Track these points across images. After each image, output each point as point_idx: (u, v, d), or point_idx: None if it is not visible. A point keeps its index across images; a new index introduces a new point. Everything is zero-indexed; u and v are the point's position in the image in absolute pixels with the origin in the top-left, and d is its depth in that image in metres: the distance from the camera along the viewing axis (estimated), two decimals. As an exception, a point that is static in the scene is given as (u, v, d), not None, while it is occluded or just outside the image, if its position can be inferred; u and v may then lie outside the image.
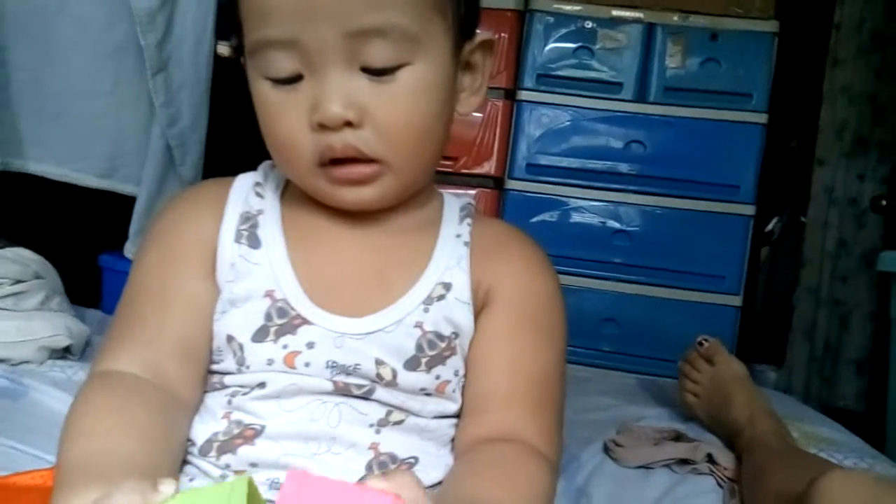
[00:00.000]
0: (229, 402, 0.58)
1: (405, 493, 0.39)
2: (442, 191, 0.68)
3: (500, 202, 1.82)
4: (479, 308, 0.61)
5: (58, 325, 1.09)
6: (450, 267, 0.61)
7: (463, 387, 0.61)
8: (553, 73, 1.81)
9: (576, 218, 1.81)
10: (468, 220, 0.64)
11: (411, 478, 0.42)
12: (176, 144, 1.43)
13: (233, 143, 1.67)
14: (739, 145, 1.76)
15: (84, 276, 1.42)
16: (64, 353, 1.11)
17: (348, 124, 0.54)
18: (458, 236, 0.63)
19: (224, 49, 1.46)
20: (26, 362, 1.05)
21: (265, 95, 0.56)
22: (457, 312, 0.60)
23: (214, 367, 0.60)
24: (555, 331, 0.63)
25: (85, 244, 1.56)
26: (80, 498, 0.44)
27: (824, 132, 1.91)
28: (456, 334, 0.60)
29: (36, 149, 1.40)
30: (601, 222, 1.80)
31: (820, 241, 1.90)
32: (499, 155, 1.82)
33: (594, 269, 1.78)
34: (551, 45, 1.81)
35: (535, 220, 1.80)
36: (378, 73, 0.54)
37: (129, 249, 1.49)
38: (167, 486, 0.39)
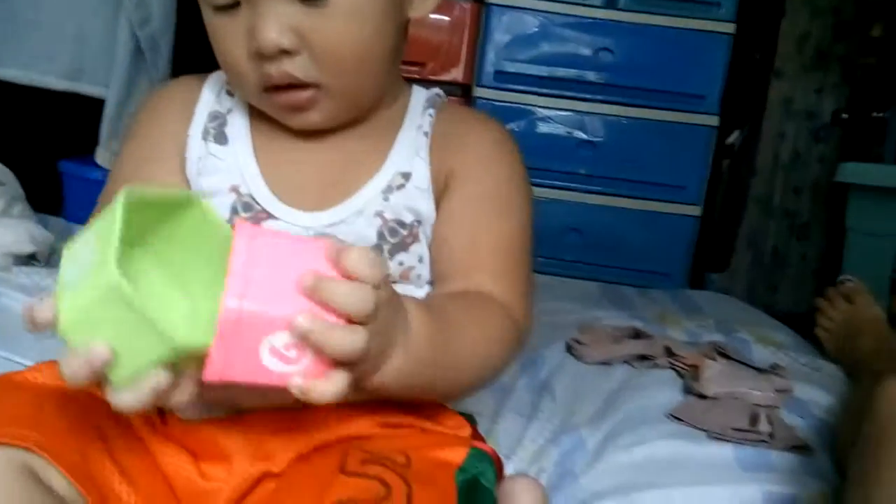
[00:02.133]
0: None
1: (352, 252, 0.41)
2: (414, 85, 0.68)
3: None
4: (440, 194, 0.62)
5: (21, 233, 1.08)
6: (409, 157, 0.62)
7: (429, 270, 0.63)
8: (522, -25, 1.77)
9: (542, 128, 1.81)
10: (430, 111, 0.65)
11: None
12: (147, 46, 1.41)
13: (200, 44, 1.63)
14: (706, 55, 1.76)
15: (44, 182, 1.39)
16: (29, 259, 1.10)
17: (284, 52, 0.54)
18: (419, 127, 0.63)
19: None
20: (-9, 269, 1.04)
21: (210, 21, 0.57)
22: (417, 200, 0.61)
23: None
24: (513, 202, 0.64)
25: (44, 150, 1.52)
26: None
27: (785, 44, 1.91)
28: (419, 222, 0.61)
29: (1, 54, 1.36)
30: (567, 132, 1.81)
31: (773, 152, 1.93)
32: (466, 61, 1.79)
33: (559, 179, 1.79)
34: (521, -53, 1.77)
35: (501, 129, 1.79)
36: None
37: (100, 154, 1.48)
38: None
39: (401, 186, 0.61)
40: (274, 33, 0.53)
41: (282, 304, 0.39)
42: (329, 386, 0.41)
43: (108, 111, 1.44)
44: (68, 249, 0.41)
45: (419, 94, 0.67)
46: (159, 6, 1.41)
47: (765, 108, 1.94)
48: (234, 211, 0.60)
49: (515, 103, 1.80)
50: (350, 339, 0.41)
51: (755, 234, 1.93)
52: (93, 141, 1.49)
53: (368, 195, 0.60)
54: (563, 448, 0.77)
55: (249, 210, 0.60)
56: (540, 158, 1.76)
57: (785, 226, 1.92)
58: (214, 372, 0.39)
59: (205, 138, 0.62)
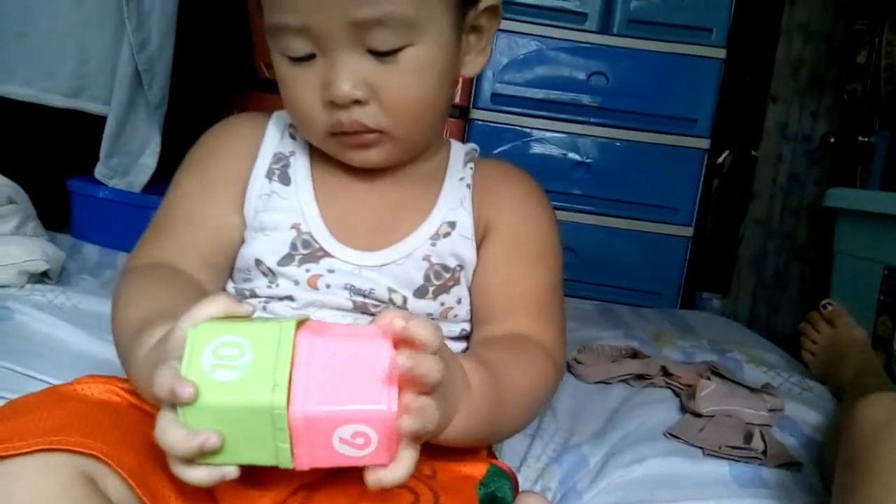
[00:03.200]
0: (264, 308, 0.64)
1: (416, 330, 0.45)
2: (451, 140, 0.73)
3: (465, 132, 1.85)
4: (480, 240, 0.67)
5: (35, 250, 1.11)
6: (454, 207, 0.67)
7: (466, 311, 0.68)
8: (519, 0, 1.82)
9: (537, 149, 1.85)
10: (471, 165, 0.70)
11: (402, 313, 0.46)
12: (145, 69, 1.42)
13: (196, 68, 1.66)
14: (698, 80, 1.81)
15: (52, 200, 1.42)
16: (41, 277, 1.12)
17: (356, 102, 0.59)
18: (462, 179, 0.69)
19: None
20: (5, 287, 1.06)
21: (283, 70, 0.61)
22: (461, 247, 0.66)
23: (245, 285, 0.66)
24: (547, 252, 0.69)
25: (52, 168, 1.54)
26: (163, 331, 0.49)
27: (780, 69, 1.96)
28: (461, 266, 0.66)
29: (1, 70, 1.37)
30: (562, 154, 1.85)
31: (772, 175, 1.97)
32: (464, 84, 1.83)
33: (554, 199, 1.76)
34: (518, -27, 1.81)
35: (498, 150, 1.83)
36: (382, 54, 0.58)
37: (99, 171, 1.49)
38: (248, 306, 0.47)
39: (447, 234, 0.66)
40: (348, 86, 0.58)
41: (342, 401, 0.43)
42: (401, 470, 0.44)
43: (109, 129, 1.46)
44: (205, 334, 0.44)
45: (458, 149, 0.72)
46: (158, 30, 1.43)
47: (760, 131, 1.99)
48: (294, 247, 0.64)
49: (511, 125, 1.84)
50: (429, 417, 0.44)
51: (757, 256, 1.97)
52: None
53: (417, 241, 0.65)
54: (567, 466, 0.80)
55: (308, 247, 0.64)
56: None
57: (785, 248, 1.95)
58: (301, 464, 0.44)
59: (269, 177, 0.66)
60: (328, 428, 0.43)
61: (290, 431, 0.43)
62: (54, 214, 1.43)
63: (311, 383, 0.43)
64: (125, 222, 1.44)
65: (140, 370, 0.51)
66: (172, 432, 0.43)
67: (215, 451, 0.43)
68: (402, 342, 0.45)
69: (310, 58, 0.59)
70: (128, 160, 1.51)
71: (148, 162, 1.53)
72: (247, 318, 0.46)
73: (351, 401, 0.43)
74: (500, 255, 0.67)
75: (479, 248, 0.67)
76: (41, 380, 0.82)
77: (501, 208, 0.68)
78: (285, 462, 0.44)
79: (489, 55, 0.67)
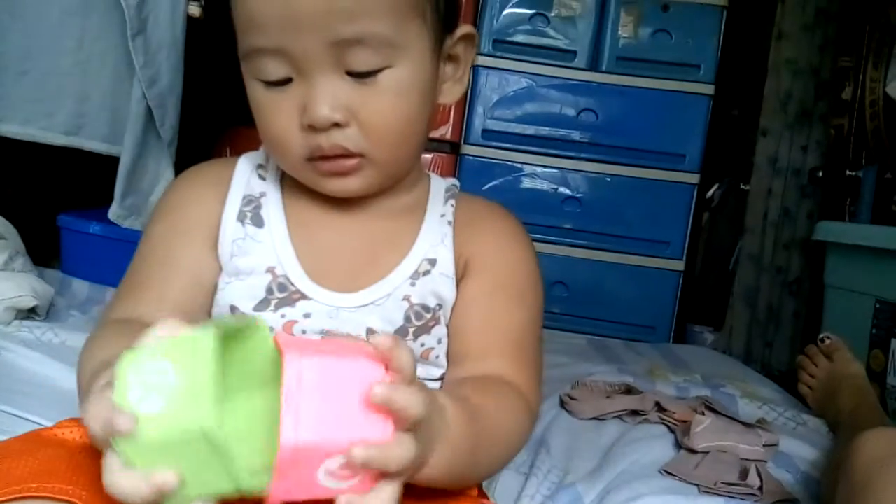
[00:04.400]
0: None
1: (404, 361, 0.44)
2: (430, 173, 0.72)
3: (456, 167, 1.86)
4: (460, 277, 0.66)
5: (23, 286, 1.10)
6: (434, 244, 0.66)
7: (446, 353, 0.66)
8: (509, 38, 1.84)
9: (528, 184, 1.86)
10: (451, 201, 0.69)
11: (396, 340, 0.45)
12: (156, 105, 1.42)
13: (203, 103, 1.67)
14: (687, 115, 1.83)
15: (42, 236, 1.41)
16: (29, 313, 1.11)
17: (335, 125, 0.58)
18: (443, 216, 0.68)
19: (195, 9, 1.44)
20: (-8, 323, 1.05)
21: (258, 96, 0.60)
22: (441, 286, 0.65)
23: None
24: (527, 293, 0.68)
25: (42, 204, 1.54)
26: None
27: (768, 103, 1.98)
28: (440, 305, 0.65)
29: (1, 109, 1.37)
30: (552, 188, 1.86)
31: (762, 209, 1.98)
32: (455, 120, 1.85)
33: (545, 234, 1.83)
34: (507, 11, 1.84)
35: (489, 185, 1.84)
36: (361, 76, 0.57)
37: (114, 212, 1.48)
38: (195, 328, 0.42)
39: (426, 273, 0.64)
40: (327, 108, 0.57)
41: (335, 430, 0.41)
42: (377, 501, 0.42)
43: (123, 169, 1.45)
44: (130, 361, 0.41)
45: (438, 183, 0.71)
46: (167, 66, 1.44)
47: (749, 165, 2.01)
48: (270, 291, 0.62)
49: (502, 160, 1.85)
50: (404, 452, 0.43)
51: (750, 291, 1.97)
52: (91, 194, 1.50)
53: (397, 280, 0.64)
54: (561, 504, 0.79)
55: (284, 290, 0.62)
56: (526, 213, 1.78)
57: (778, 282, 1.96)
58: (276, 498, 0.41)
59: (241, 221, 0.65)
60: (318, 459, 0.40)
61: (274, 462, 0.39)
62: (44, 250, 1.42)
63: (301, 410, 0.40)
64: (115, 258, 1.42)
65: (90, 404, 0.46)
66: (122, 479, 0.39)
67: (177, 491, 0.39)
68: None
69: (286, 82, 0.58)
70: (140, 199, 1.51)
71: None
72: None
73: (347, 430, 0.41)
74: (478, 294, 0.65)
75: (457, 285, 0.66)
76: (27, 419, 0.80)
77: (482, 246, 0.67)
78: (248, 487, 0.41)
79: (466, 85, 0.67)
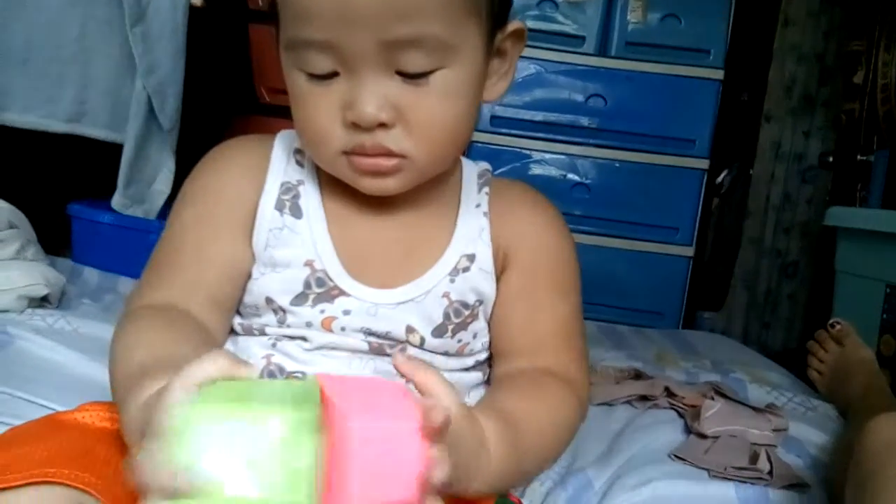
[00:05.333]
0: (273, 346, 0.61)
1: (430, 383, 0.46)
2: (462, 158, 0.70)
3: (465, 154, 1.85)
4: (500, 271, 0.65)
5: (35, 275, 1.10)
6: (472, 238, 0.64)
7: (481, 344, 0.66)
8: (517, 25, 1.83)
9: (537, 170, 1.86)
10: (486, 189, 0.67)
11: (425, 366, 0.48)
12: (154, 93, 1.42)
13: (207, 91, 1.67)
14: (696, 101, 1.82)
15: (53, 224, 1.42)
16: (41, 302, 1.12)
17: (381, 125, 0.55)
18: (478, 206, 0.66)
19: (197, -1, 1.44)
20: (5, 311, 1.06)
21: (300, 87, 0.57)
22: (481, 282, 0.64)
23: (254, 321, 0.63)
24: (567, 283, 0.67)
25: (52, 193, 1.54)
26: (159, 383, 0.45)
27: (773, 89, 1.98)
28: (480, 301, 0.64)
29: (1, 97, 1.38)
30: (561, 175, 1.85)
31: (765, 194, 1.98)
32: (463, 107, 1.84)
33: None
34: (515, -3, 1.83)
35: (498, 172, 1.82)
36: (412, 76, 0.55)
37: (117, 201, 1.49)
38: (251, 368, 0.43)
39: (466, 269, 0.63)
40: (374, 108, 0.54)
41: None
42: None
43: (126, 157, 1.45)
44: (203, 416, 0.37)
45: (469, 168, 0.69)
46: (167, 54, 1.44)
47: (755, 151, 2.00)
48: (308, 286, 0.61)
49: (511, 147, 1.85)
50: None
51: (749, 274, 1.97)
52: (101, 184, 1.51)
53: (436, 277, 0.62)
54: (572, 490, 0.79)
55: (322, 286, 0.61)
56: (535, 200, 1.80)
57: (777, 265, 1.96)
58: None
59: (280, 209, 0.62)
60: None
61: None
62: (55, 239, 1.43)
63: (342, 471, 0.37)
64: (125, 247, 1.44)
65: (131, 422, 0.47)
66: None
67: None
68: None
69: (331, 75, 0.55)
70: (142, 188, 1.51)
71: (162, 188, 1.52)
72: (248, 382, 0.42)
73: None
74: (521, 287, 0.64)
75: (498, 279, 0.65)
76: (42, 405, 0.81)
77: (521, 237, 0.65)
78: None
79: (511, 81, 0.64)
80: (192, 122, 1.56)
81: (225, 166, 0.66)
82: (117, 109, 1.47)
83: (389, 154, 0.57)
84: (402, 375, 0.52)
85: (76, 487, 0.45)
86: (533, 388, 0.60)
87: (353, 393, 0.40)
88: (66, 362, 0.93)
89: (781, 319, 1.96)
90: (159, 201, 1.53)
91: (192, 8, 1.46)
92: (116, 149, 1.48)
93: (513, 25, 0.62)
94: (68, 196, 1.56)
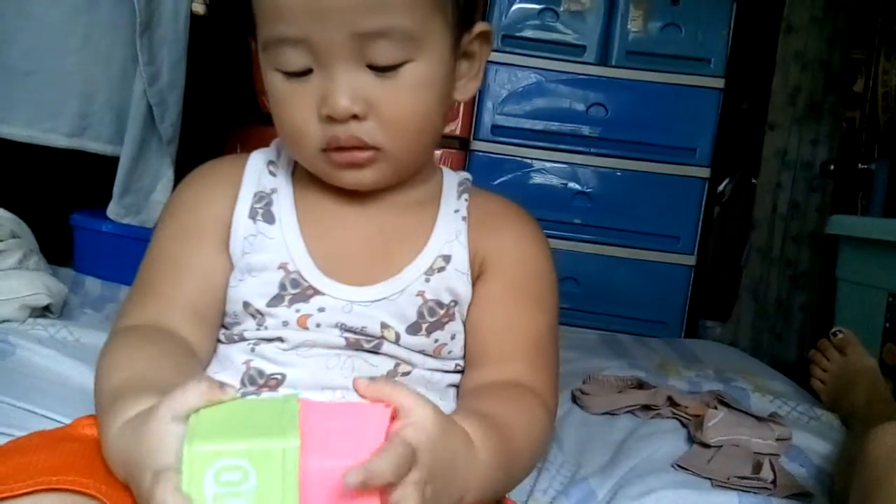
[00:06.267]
0: (252, 350, 0.62)
1: (391, 393, 0.47)
2: (442, 167, 0.73)
3: (466, 163, 1.86)
4: (476, 276, 0.66)
5: (37, 284, 1.10)
6: (449, 241, 0.66)
7: (460, 347, 0.66)
8: (518, 34, 1.84)
9: (538, 179, 1.86)
10: (465, 196, 0.69)
11: (391, 382, 0.48)
12: (156, 102, 1.42)
13: (206, 100, 1.67)
14: (697, 109, 1.82)
15: (55, 234, 1.42)
16: (43, 311, 1.12)
17: (354, 117, 0.58)
18: (457, 211, 0.68)
19: (199, 7, 1.44)
20: (7, 321, 1.06)
21: (277, 86, 0.60)
22: (456, 282, 0.65)
23: (234, 328, 0.64)
24: (545, 296, 0.68)
25: (55, 203, 1.55)
26: (139, 405, 0.48)
27: (777, 97, 1.97)
28: (455, 302, 0.65)
29: (4, 111, 1.37)
30: (562, 184, 1.86)
31: (771, 203, 1.97)
32: (464, 116, 1.84)
33: (555, 229, 1.82)
34: (516, 6, 1.84)
35: (498, 181, 1.84)
36: (382, 69, 0.58)
37: (112, 210, 1.49)
38: (230, 390, 0.45)
39: (441, 269, 0.65)
40: (347, 100, 0.57)
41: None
42: None
43: (122, 167, 1.45)
44: (201, 455, 0.41)
45: (450, 177, 0.71)
46: (169, 63, 1.44)
47: (757, 159, 2.00)
48: (283, 287, 0.62)
49: (512, 156, 1.85)
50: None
51: (757, 284, 1.96)
52: (103, 194, 1.51)
53: (411, 276, 0.64)
54: (574, 499, 0.78)
55: (297, 286, 0.62)
56: (536, 209, 1.75)
57: (786, 276, 1.95)
58: None
59: (253, 218, 0.65)
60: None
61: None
62: (57, 249, 1.43)
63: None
64: (128, 256, 1.43)
65: (112, 444, 0.48)
66: None
67: None
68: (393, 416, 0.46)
69: (306, 73, 0.58)
70: (140, 198, 1.51)
71: (160, 198, 1.52)
72: (233, 400, 0.45)
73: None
74: (497, 296, 0.66)
75: (474, 283, 0.66)
76: (43, 416, 0.81)
77: (500, 247, 0.67)
78: None
79: (480, 82, 0.67)
80: (193, 131, 1.57)
81: (201, 183, 0.69)
82: (121, 122, 1.47)
83: (364, 146, 0.60)
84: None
85: (81, 492, 0.45)
86: (510, 399, 0.61)
87: (324, 424, 0.44)
88: (67, 372, 0.93)
89: (792, 330, 1.95)
90: (157, 212, 1.53)
91: (193, 17, 1.46)
92: (119, 160, 1.48)
93: (479, 27, 0.65)
94: (71, 206, 1.56)
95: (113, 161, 1.49)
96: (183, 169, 1.48)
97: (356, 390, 0.48)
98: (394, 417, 0.47)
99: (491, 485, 0.53)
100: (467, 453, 0.51)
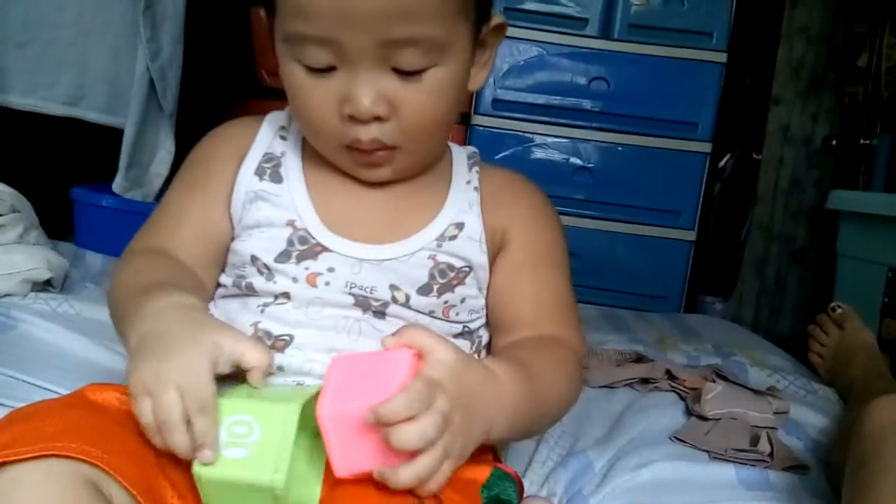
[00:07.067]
0: (262, 312, 0.63)
1: (416, 337, 0.52)
2: (449, 143, 0.73)
3: (467, 137, 1.85)
4: (496, 250, 0.69)
5: (38, 258, 1.11)
6: (462, 210, 0.68)
7: (468, 311, 0.68)
8: (519, 6, 1.82)
9: (539, 154, 1.85)
10: (476, 168, 0.71)
11: (417, 327, 0.54)
12: (158, 77, 1.42)
13: (208, 74, 1.67)
14: (699, 84, 1.81)
15: (55, 209, 1.42)
16: (44, 286, 1.12)
17: (376, 118, 0.59)
18: (469, 182, 0.70)
19: (197, -16, 1.44)
20: (8, 295, 1.06)
21: (297, 78, 0.60)
22: (468, 249, 0.66)
23: (241, 280, 0.65)
24: (563, 261, 0.72)
25: (55, 177, 1.54)
26: (171, 297, 0.55)
27: (781, 71, 1.96)
28: (469, 268, 0.66)
29: (1, 79, 1.37)
30: (564, 159, 1.85)
31: (773, 178, 1.97)
32: (465, 90, 1.83)
33: (556, 204, 1.75)
34: (518, -22, 1.82)
35: (500, 156, 1.83)
36: (407, 73, 0.58)
37: (118, 184, 1.49)
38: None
39: (453, 237, 0.66)
40: (370, 102, 0.57)
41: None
42: (414, 471, 0.48)
43: (128, 141, 1.46)
44: (220, 408, 0.50)
45: (459, 152, 0.73)
46: (169, 38, 1.44)
47: (761, 135, 1.99)
48: (290, 243, 0.64)
49: (513, 130, 1.84)
50: (415, 435, 0.48)
51: (759, 260, 1.96)
52: (103, 168, 1.51)
53: (423, 241, 0.65)
54: (572, 470, 0.79)
55: (305, 243, 0.64)
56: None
57: (786, 251, 1.95)
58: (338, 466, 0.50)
59: (259, 175, 0.66)
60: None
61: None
62: (57, 223, 1.43)
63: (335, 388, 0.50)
64: (128, 230, 1.42)
65: (144, 321, 0.53)
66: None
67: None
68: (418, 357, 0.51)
69: (329, 69, 0.58)
70: (140, 171, 1.52)
71: (160, 171, 1.53)
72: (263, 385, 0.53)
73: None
74: (522, 266, 0.69)
75: (495, 256, 0.68)
76: (45, 388, 0.82)
77: (517, 221, 0.69)
78: None
79: (490, 69, 0.68)
80: (194, 105, 1.56)
81: (217, 139, 0.71)
82: (115, 93, 1.47)
83: (382, 147, 0.61)
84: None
85: (85, 461, 0.46)
86: (542, 346, 0.65)
87: (349, 372, 0.51)
88: (69, 346, 0.94)
89: (790, 306, 1.96)
90: (157, 184, 1.54)
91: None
92: (118, 132, 1.48)
93: (496, 20, 0.66)
94: (71, 180, 1.56)
95: (112, 135, 1.49)
96: (184, 142, 1.48)
97: (384, 346, 0.52)
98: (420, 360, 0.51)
99: (520, 418, 0.57)
100: (492, 384, 0.55)
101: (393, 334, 0.52)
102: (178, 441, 0.48)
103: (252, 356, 0.52)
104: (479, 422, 0.53)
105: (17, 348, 0.91)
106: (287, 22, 0.58)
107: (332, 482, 0.52)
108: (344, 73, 0.58)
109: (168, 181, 1.52)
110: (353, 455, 0.49)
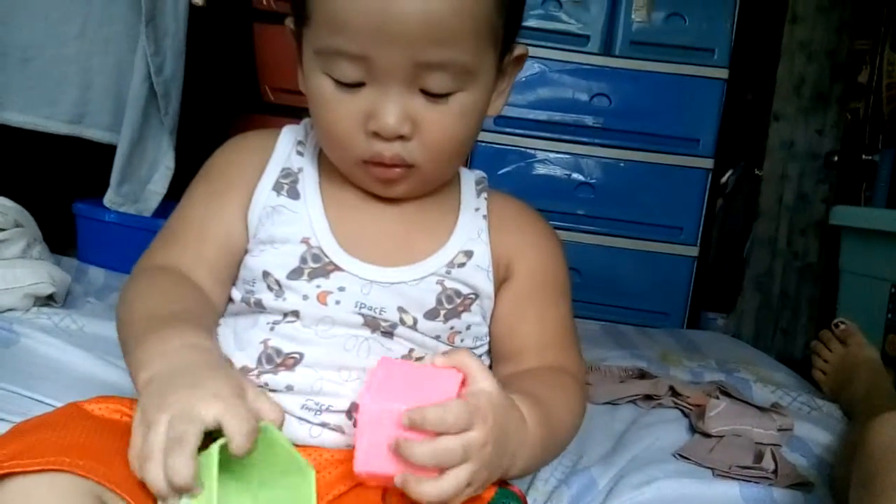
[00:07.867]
0: (271, 329, 0.63)
1: (467, 362, 0.54)
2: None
3: (469, 154, 1.86)
4: (502, 279, 0.69)
5: (41, 273, 1.11)
6: (472, 238, 0.68)
7: (472, 338, 0.69)
8: (521, 23, 1.83)
9: (541, 170, 1.86)
10: (484, 195, 0.72)
11: (468, 352, 0.56)
12: (161, 93, 1.42)
13: (211, 90, 1.67)
14: (700, 100, 1.82)
15: (58, 223, 1.42)
16: (47, 300, 1.12)
17: (400, 137, 0.60)
18: (477, 210, 0.71)
19: (198, -2, 1.44)
20: (11, 310, 1.06)
21: (324, 90, 0.60)
22: (476, 277, 0.67)
23: (251, 296, 0.65)
24: (566, 290, 0.74)
25: (58, 192, 1.55)
26: (184, 337, 0.54)
27: (782, 87, 1.97)
28: (475, 294, 0.67)
29: (2, 96, 1.38)
30: (565, 174, 1.85)
31: (777, 193, 1.97)
32: (467, 106, 1.84)
33: (558, 220, 1.82)
34: (520, -3, 1.83)
35: (502, 172, 1.84)
36: (435, 96, 0.59)
37: (109, 199, 1.49)
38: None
39: (462, 265, 0.67)
40: (396, 120, 0.58)
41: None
42: (431, 488, 0.49)
43: (120, 156, 1.45)
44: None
45: (467, 175, 0.74)
46: (172, 53, 1.44)
47: (763, 150, 1.99)
48: (304, 261, 0.64)
49: (515, 146, 1.85)
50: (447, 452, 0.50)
51: (762, 276, 1.96)
52: (106, 183, 1.51)
53: (432, 267, 0.66)
54: (575, 488, 0.79)
55: (318, 261, 0.64)
56: (539, 199, 1.76)
57: (793, 267, 1.95)
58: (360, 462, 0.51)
59: (277, 191, 0.67)
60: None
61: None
62: (60, 238, 1.43)
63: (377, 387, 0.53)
64: (131, 246, 1.43)
65: (151, 358, 0.52)
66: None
67: None
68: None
69: (358, 85, 0.59)
70: (137, 187, 1.51)
71: (157, 188, 1.52)
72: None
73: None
74: (527, 296, 0.70)
75: (500, 285, 0.69)
76: (47, 403, 0.81)
77: (523, 251, 0.70)
78: None
79: (508, 98, 0.69)
80: (197, 121, 1.57)
81: (236, 151, 0.72)
82: (119, 110, 1.47)
83: (401, 164, 0.62)
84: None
85: (90, 478, 0.46)
86: (551, 380, 0.66)
87: (395, 375, 0.53)
88: (71, 361, 0.94)
89: (800, 323, 1.95)
90: (154, 202, 1.53)
91: (195, 8, 1.45)
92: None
93: (518, 50, 0.67)
94: (74, 195, 1.56)
95: (114, 151, 1.49)
96: (186, 158, 1.48)
97: (432, 363, 0.55)
98: (464, 385, 0.53)
99: (535, 457, 0.60)
100: (521, 426, 0.57)
101: (444, 353, 0.55)
102: (153, 475, 0.46)
103: (269, 412, 0.50)
104: (505, 459, 0.55)
105: (19, 363, 0.91)
106: (321, 35, 0.59)
107: (340, 492, 0.52)
108: (372, 90, 0.59)
109: (165, 197, 1.52)
110: (375, 454, 0.49)
